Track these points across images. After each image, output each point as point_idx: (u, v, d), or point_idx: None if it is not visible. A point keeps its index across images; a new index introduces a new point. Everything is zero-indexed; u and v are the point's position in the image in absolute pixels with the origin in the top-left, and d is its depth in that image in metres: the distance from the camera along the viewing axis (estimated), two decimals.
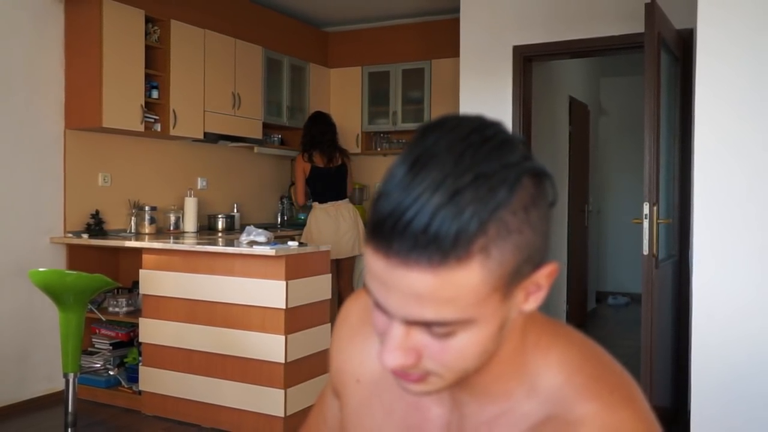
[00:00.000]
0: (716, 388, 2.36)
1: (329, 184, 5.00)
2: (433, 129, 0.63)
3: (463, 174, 0.58)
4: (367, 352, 0.82)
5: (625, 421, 0.67)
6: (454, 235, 0.57)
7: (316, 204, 5.05)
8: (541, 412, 0.70)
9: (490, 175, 0.59)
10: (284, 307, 3.40)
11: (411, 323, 0.63)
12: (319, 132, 4.98)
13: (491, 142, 0.61)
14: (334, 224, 4.94)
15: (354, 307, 0.90)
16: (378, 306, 0.65)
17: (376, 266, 0.62)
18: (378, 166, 6.12)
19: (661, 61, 3.24)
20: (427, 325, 0.62)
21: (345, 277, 5.10)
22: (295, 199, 5.33)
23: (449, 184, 0.57)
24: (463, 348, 0.64)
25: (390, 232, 0.59)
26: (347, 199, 5.07)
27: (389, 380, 0.80)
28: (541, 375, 0.72)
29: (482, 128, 0.62)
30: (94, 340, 4.14)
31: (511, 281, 0.62)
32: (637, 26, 3.71)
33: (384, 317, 0.65)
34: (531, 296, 0.66)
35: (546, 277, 0.65)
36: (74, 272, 3.07)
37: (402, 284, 0.60)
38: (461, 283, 0.59)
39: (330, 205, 4.99)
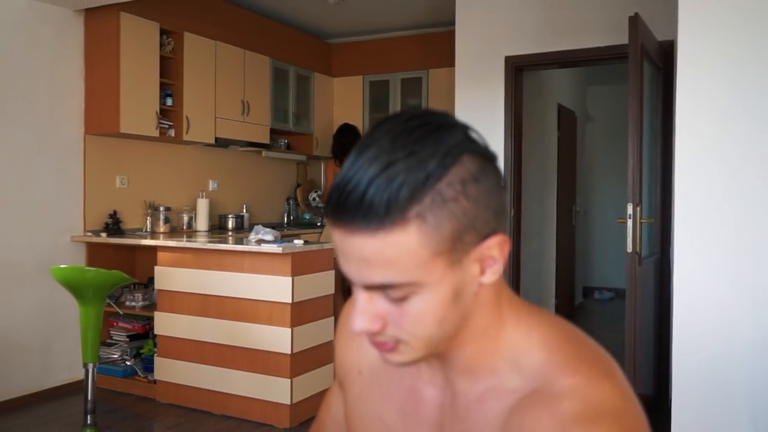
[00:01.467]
0: (696, 375, 2.36)
1: None
2: (382, 120, 0.67)
3: (396, 150, 0.62)
4: (367, 345, 0.82)
5: (605, 391, 0.67)
6: (386, 202, 0.60)
7: None
8: (526, 388, 0.70)
9: (421, 152, 0.62)
10: (290, 301, 3.40)
11: (369, 288, 0.66)
12: (349, 141, 5.20)
13: (428, 126, 0.64)
14: None
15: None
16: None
17: (335, 238, 0.66)
18: None
19: (644, 71, 3.24)
20: (382, 288, 0.65)
21: None
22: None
23: (383, 159, 0.61)
24: (419, 313, 0.66)
25: (337, 204, 0.63)
26: None
27: (388, 369, 0.82)
28: (524, 353, 0.72)
29: (423, 116, 0.65)
30: (111, 332, 4.14)
31: (453, 248, 0.64)
32: (622, 38, 3.70)
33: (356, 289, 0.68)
34: (488, 269, 0.67)
35: (498, 250, 0.67)
36: (93, 269, 3.07)
37: (353, 251, 0.63)
38: (400, 246, 0.62)
39: None
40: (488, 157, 0.66)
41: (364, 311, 0.67)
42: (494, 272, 0.68)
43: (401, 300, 0.65)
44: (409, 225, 0.61)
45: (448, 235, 0.63)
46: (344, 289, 5.44)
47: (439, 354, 0.73)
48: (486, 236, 0.66)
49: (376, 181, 0.61)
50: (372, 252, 0.62)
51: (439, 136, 0.63)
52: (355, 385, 0.86)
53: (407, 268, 0.63)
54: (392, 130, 0.64)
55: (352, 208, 0.62)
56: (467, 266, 0.66)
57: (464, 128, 0.66)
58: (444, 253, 0.63)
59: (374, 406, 0.83)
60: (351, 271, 0.66)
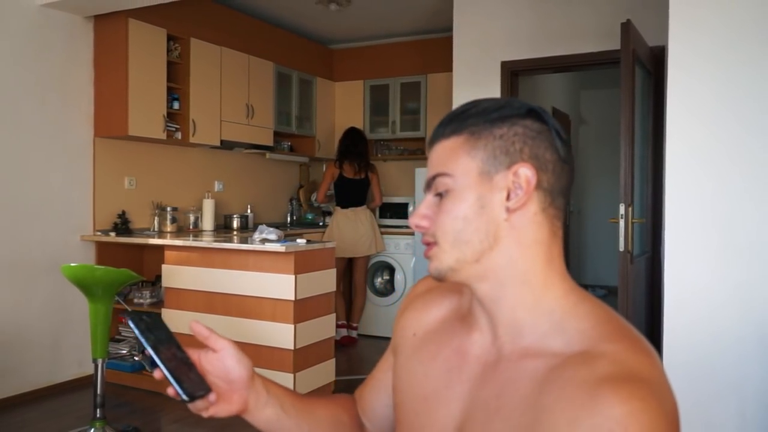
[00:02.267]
0: (685, 368, 2.37)
1: (352, 192, 5.26)
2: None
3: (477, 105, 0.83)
4: (425, 313, 0.94)
5: (644, 361, 0.69)
6: (455, 118, 0.82)
7: (338, 208, 5.30)
8: (567, 349, 0.73)
9: (491, 110, 0.81)
10: (293, 298, 3.40)
11: (428, 187, 0.82)
12: (352, 143, 5.25)
13: (499, 103, 0.82)
14: (353, 227, 5.19)
15: (421, 283, 1.01)
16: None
17: (429, 157, 0.84)
18: (379, 170, 6.12)
19: (636, 76, 3.24)
20: (434, 179, 0.81)
21: (360, 272, 5.33)
22: (315, 197, 5.78)
23: (468, 107, 0.83)
24: (449, 205, 0.79)
25: (435, 129, 0.84)
26: (365, 206, 5.30)
27: (441, 332, 0.90)
28: (571, 319, 0.76)
29: (498, 100, 0.83)
30: (120, 328, 4.14)
31: (487, 159, 0.78)
32: (614, 44, 3.71)
33: None
34: (512, 195, 0.77)
35: (525, 182, 0.77)
36: (102, 267, 3.07)
37: (433, 155, 0.83)
38: (453, 145, 0.80)
39: (350, 211, 5.25)
40: (540, 115, 0.80)
41: (418, 211, 0.82)
42: (518, 201, 0.77)
43: (443, 197, 0.80)
44: (462, 134, 0.80)
45: (487, 147, 0.78)
46: (345, 288, 5.44)
47: (487, 307, 0.81)
48: (516, 163, 0.77)
49: (452, 118, 0.82)
50: (438, 152, 0.82)
51: (505, 105, 0.81)
52: (408, 345, 0.93)
53: (450, 162, 0.79)
54: (479, 103, 0.83)
55: (440, 125, 0.83)
56: (496, 183, 0.78)
57: (536, 110, 0.81)
58: (479, 161, 0.78)
59: (421, 363, 0.89)
60: (428, 173, 0.82)
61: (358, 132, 5.37)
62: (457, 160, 0.79)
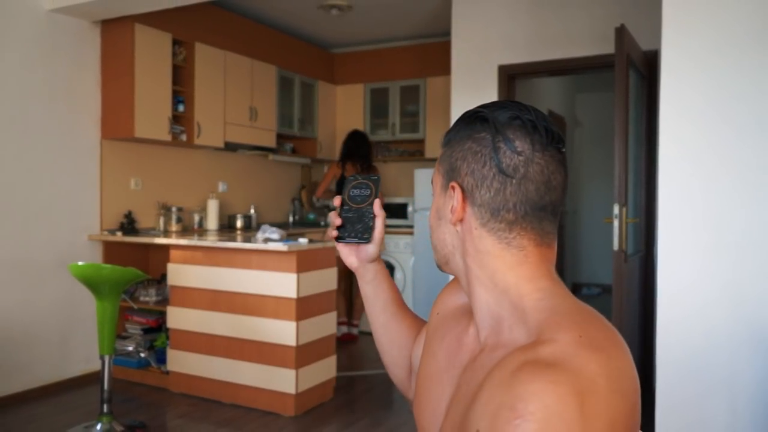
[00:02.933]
0: (678, 364, 2.37)
1: None
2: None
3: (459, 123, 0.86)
4: (450, 297, 0.99)
5: (582, 356, 0.65)
6: (444, 137, 0.87)
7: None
8: (527, 338, 0.73)
9: (461, 122, 0.85)
10: (295, 296, 3.40)
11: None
12: (355, 145, 5.22)
13: (467, 115, 0.84)
14: None
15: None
16: None
17: None
18: (379, 170, 6.13)
19: (630, 79, 3.24)
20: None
21: None
22: (314, 193, 5.72)
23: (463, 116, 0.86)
24: (431, 209, 0.89)
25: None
26: None
27: (450, 317, 0.95)
28: (531, 314, 0.75)
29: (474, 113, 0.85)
30: (127, 325, 4.14)
31: (444, 175, 0.85)
32: (609, 48, 3.72)
33: None
34: (454, 212, 0.82)
35: (455, 198, 0.81)
36: (109, 266, 3.07)
37: None
38: (441, 156, 0.87)
39: None
40: (496, 142, 0.81)
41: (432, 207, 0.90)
42: (455, 215, 0.82)
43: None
44: (443, 148, 0.87)
45: (444, 163, 0.85)
46: (346, 287, 5.44)
47: (468, 297, 0.85)
48: (453, 180, 0.82)
49: (446, 135, 0.87)
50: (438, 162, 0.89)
51: (471, 116, 0.84)
52: (431, 323, 0.99)
53: (436, 170, 0.88)
54: (463, 115, 0.87)
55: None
56: (447, 198, 0.84)
57: (500, 128, 0.81)
58: (441, 176, 0.86)
59: (433, 343, 0.95)
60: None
61: (362, 135, 5.33)
62: (436, 172, 0.88)
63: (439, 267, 0.90)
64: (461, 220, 0.82)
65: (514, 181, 0.78)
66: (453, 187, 0.82)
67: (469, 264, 0.82)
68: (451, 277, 1.11)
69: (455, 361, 0.87)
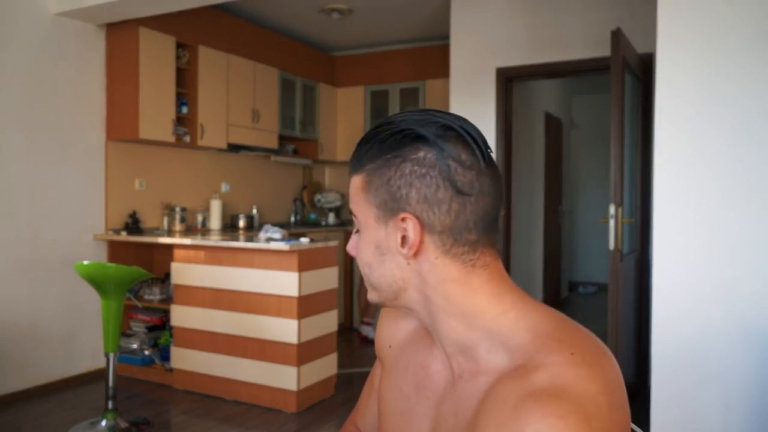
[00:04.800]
0: (672, 361, 2.38)
1: None
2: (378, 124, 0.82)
3: (369, 141, 0.78)
4: (397, 325, 0.90)
5: (579, 376, 0.64)
6: (357, 158, 0.78)
7: None
8: (510, 365, 0.68)
9: (385, 142, 0.75)
10: (297, 295, 3.40)
11: (354, 222, 0.81)
12: None
13: (394, 131, 0.75)
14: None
15: None
16: None
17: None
18: None
19: (625, 82, 3.24)
20: (354, 216, 0.80)
21: None
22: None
23: (365, 145, 0.78)
24: (361, 245, 0.79)
25: (350, 162, 0.80)
26: None
27: (409, 345, 0.87)
28: (511, 336, 0.70)
29: (387, 128, 0.77)
30: (131, 323, 4.14)
31: (380, 207, 0.75)
32: (604, 51, 3.72)
33: None
34: (405, 243, 0.74)
35: (411, 230, 0.73)
36: (114, 265, 3.07)
37: (349, 188, 0.80)
38: (356, 185, 0.78)
39: None
40: (446, 159, 0.72)
41: (351, 240, 0.81)
42: (410, 248, 0.73)
43: (358, 233, 0.79)
44: (362, 173, 0.76)
45: (378, 192, 0.74)
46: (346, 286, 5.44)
47: (430, 327, 0.78)
48: (402, 210, 0.73)
49: (358, 150, 0.78)
50: (350, 188, 0.79)
51: (400, 133, 0.74)
52: (387, 357, 0.91)
53: (355, 203, 0.78)
54: (377, 133, 0.77)
55: (352, 157, 0.79)
56: (391, 230, 0.74)
57: (436, 142, 0.73)
58: (374, 207, 0.75)
59: (397, 378, 0.86)
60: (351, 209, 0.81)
61: None
62: (359, 203, 0.77)
63: (382, 304, 0.80)
64: (418, 252, 0.73)
65: (472, 198, 0.72)
66: (404, 219, 0.72)
67: (429, 295, 0.74)
68: None
69: (426, 392, 0.80)
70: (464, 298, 0.73)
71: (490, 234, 0.75)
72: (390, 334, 0.91)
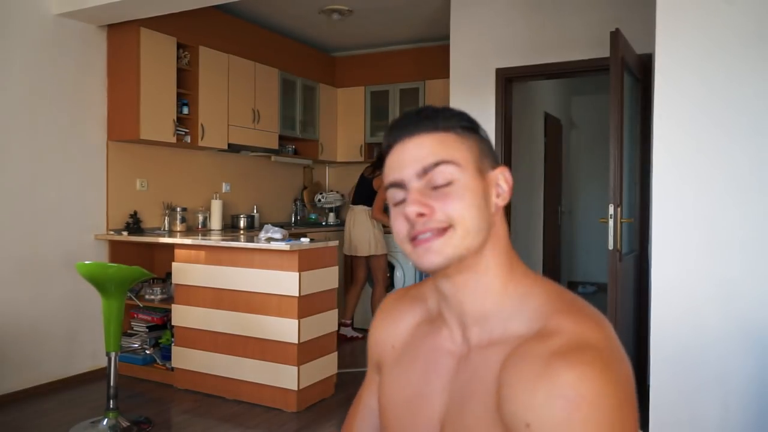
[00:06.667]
0: (671, 361, 2.37)
1: (358, 190, 5.17)
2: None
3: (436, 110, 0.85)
4: (398, 324, 0.94)
5: (592, 330, 0.73)
6: (440, 118, 0.82)
7: (352, 206, 5.22)
8: (526, 330, 0.76)
9: (461, 117, 0.84)
10: (297, 294, 3.40)
11: (422, 176, 0.78)
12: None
13: (461, 112, 0.85)
14: (350, 225, 5.10)
15: (389, 298, 1.01)
16: (396, 186, 0.81)
17: (392, 161, 0.82)
18: None
19: (624, 82, 3.24)
20: (436, 166, 0.78)
21: (374, 271, 5.14)
22: (370, 215, 5.07)
23: (432, 111, 0.84)
24: (462, 193, 0.78)
25: (408, 118, 0.83)
26: (363, 206, 5.09)
27: (416, 336, 0.91)
28: (528, 299, 0.79)
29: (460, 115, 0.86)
30: (132, 323, 4.14)
31: (477, 160, 0.81)
32: (604, 51, 3.71)
33: (401, 192, 0.81)
34: (499, 194, 0.82)
35: (504, 181, 0.82)
36: (115, 265, 3.07)
37: (411, 150, 0.80)
38: (442, 139, 0.80)
39: (351, 208, 5.20)
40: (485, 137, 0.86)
41: (416, 200, 0.78)
42: (503, 198, 0.82)
43: (446, 186, 0.77)
44: (449, 132, 0.81)
45: (474, 148, 0.81)
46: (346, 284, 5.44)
47: (455, 302, 0.82)
48: (495, 166, 0.83)
49: (435, 110, 0.83)
50: (427, 143, 0.79)
51: (467, 115, 0.86)
52: (390, 357, 0.94)
53: (454, 152, 0.79)
54: (436, 108, 0.85)
55: (423, 119, 0.81)
56: (488, 182, 0.81)
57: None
58: (472, 160, 0.80)
59: (404, 371, 0.90)
60: (408, 170, 0.79)
61: None
62: (459, 152, 0.79)
63: (456, 260, 0.78)
64: (504, 203, 0.84)
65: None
66: (502, 171, 0.83)
67: (495, 249, 0.82)
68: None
69: (438, 371, 0.84)
70: (509, 255, 0.83)
71: None
72: (391, 334, 0.95)
